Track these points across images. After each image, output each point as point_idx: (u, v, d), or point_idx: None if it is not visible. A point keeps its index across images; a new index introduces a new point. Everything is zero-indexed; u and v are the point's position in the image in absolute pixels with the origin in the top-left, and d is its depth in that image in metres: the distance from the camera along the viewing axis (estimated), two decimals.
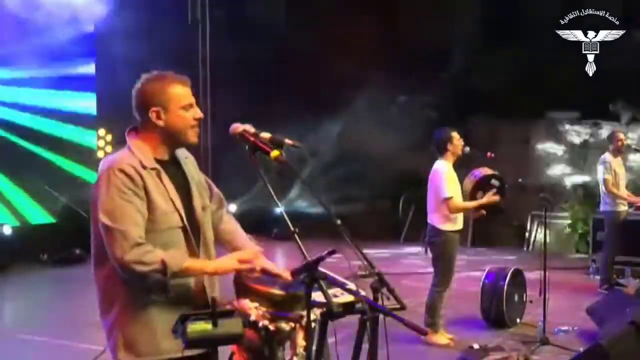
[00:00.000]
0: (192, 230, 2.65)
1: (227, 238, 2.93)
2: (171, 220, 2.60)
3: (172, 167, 2.69)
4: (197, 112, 2.68)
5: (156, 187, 2.57)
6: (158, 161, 2.63)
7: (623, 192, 8.02)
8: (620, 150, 8.05)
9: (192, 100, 2.68)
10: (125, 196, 2.49)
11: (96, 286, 2.68)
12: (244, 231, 2.99)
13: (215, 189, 2.95)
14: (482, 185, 6.00)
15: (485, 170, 6.11)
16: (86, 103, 11.26)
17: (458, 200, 5.86)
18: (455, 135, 5.99)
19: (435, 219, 5.92)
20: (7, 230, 9.91)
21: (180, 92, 2.64)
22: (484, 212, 6.06)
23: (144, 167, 2.57)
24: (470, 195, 5.99)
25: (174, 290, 2.57)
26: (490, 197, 5.91)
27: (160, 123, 2.62)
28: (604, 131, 12.52)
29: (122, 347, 2.61)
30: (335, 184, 13.36)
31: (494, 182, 6.05)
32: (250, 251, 2.77)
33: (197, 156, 2.91)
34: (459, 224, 5.94)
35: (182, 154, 2.78)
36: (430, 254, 6.07)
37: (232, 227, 2.96)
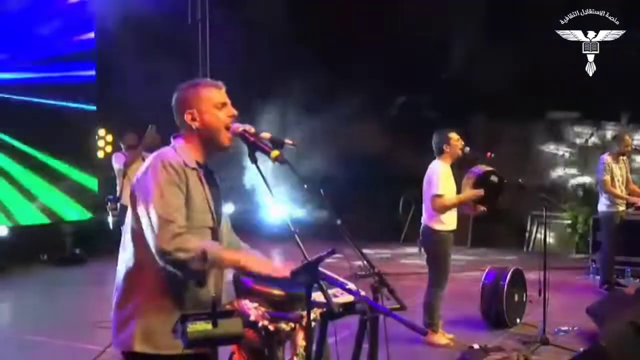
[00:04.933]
0: (219, 235, 2.77)
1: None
2: (204, 219, 2.70)
3: (209, 173, 2.82)
4: (231, 110, 2.77)
5: (196, 185, 2.69)
6: (197, 164, 2.75)
7: (621, 192, 8.02)
8: (624, 153, 8.06)
9: (226, 100, 2.78)
10: (173, 188, 2.60)
11: (119, 275, 2.75)
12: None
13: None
14: (482, 182, 5.97)
15: (483, 167, 6.09)
16: (87, 104, 11.26)
17: (446, 199, 5.83)
18: (453, 136, 5.97)
19: (428, 218, 5.93)
20: (7, 231, 9.89)
21: (212, 93, 2.76)
22: (483, 208, 6.02)
23: (187, 166, 2.68)
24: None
25: (196, 289, 2.63)
26: (471, 192, 5.86)
27: (196, 124, 2.74)
28: (604, 131, 12.54)
29: (139, 338, 2.64)
30: (334, 184, 13.36)
31: (493, 178, 6.02)
32: (286, 269, 2.72)
33: None
34: (452, 224, 5.92)
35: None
36: (425, 254, 6.05)
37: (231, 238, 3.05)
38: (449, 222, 5.89)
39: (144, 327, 2.63)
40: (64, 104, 10.88)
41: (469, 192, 5.88)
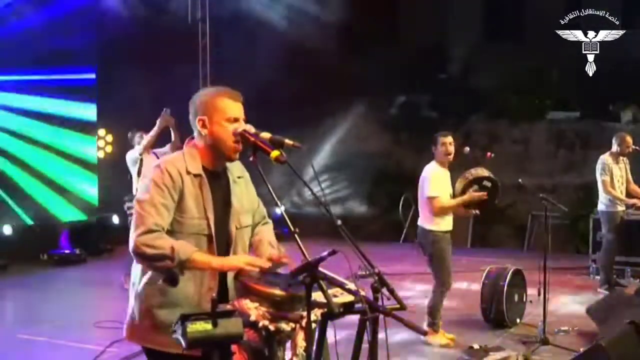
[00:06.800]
0: (219, 242, 2.76)
1: (255, 245, 3.02)
2: (198, 226, 2.74)
3: (217, 179, 2.83)
4: (242, 126, 2.75)
5: (193, 192, 2.73)
6: (205, 170, 2.78)
7: (620, 193, 8.02)
8: (624, 153, 8.06)
9: (239, 115, 2.78)
10: (159, 190, 2.67)
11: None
12: (274, 241, 3.03)
13: (261, 206, 3.09)
14: (476, 185, 5.95)
15: (477, 172, 6.06)
16: (87, 104, 11.25)
17: (443, 200, 5.83)
18: (442, 139, 5.91)
19: (423, 219, 5.94)
20: (8, 230, 9.89)
21: (226, 105, 2.77)
22: (476, 211, 6.01)
23: (188, 173, 2.73)
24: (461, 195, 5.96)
25: (180, 290, 2.69)
26: (472, 194, 5.85)
27: (205, 132, 2.77)
28: (604, 131, 12.54)
29: (129, 328, 2.80)
30: (335, 184, 13.37)
31: (486, 183, 6.00)
32: (262, 260, 2.82)
33: None
34: (447, 225, 5.91)
35: (236, 172, 2.91)
36: (423, 255, 6.06)
37: (261, 236, 3.04)
38: (443, 223, 5.88)
39: (133, 320, 2.78)
40: (64, 104, 10.86)
41: (473, 195, 5.84)
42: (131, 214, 8.31)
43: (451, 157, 5.93)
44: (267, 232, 3.07)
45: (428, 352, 5.75)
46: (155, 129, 7.75)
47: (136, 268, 2.80)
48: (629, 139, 8.04)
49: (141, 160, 7.90)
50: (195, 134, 2.83)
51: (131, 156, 8.02)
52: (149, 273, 2.72)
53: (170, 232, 2.67)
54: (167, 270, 2.61)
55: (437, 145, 5.91)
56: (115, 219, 11.08)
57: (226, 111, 2.75)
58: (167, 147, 8.17)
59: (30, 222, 10.45)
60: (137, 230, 2.62)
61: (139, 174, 7.87)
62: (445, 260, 5.89)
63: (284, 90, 12.49)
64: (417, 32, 13.04)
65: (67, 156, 10.93)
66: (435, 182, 5.83)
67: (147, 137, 7.78)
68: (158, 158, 8.01)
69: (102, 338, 5.85)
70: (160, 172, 2.70)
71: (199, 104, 2.79)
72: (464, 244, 12.07)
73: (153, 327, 2.71)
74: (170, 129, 8.02)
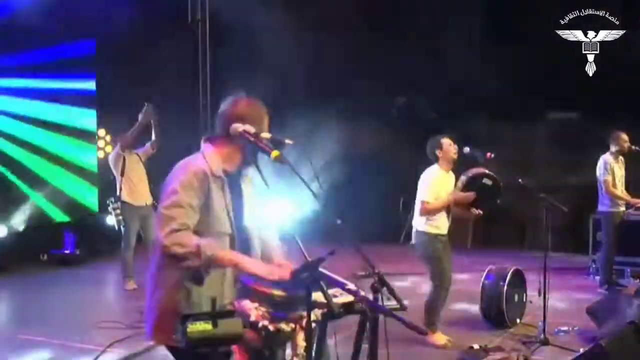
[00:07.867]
0: (239, 240, 2.86)
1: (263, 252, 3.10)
2: (222, 225, 2.83)
3: (234, 180, 2.93)
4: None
5: (217, 193, 2.81)
6: (225, 172, 2.87)
7: (622, 192, 8.03)
8: (623, 152, 8.06)
9: None
10: (187, 192, 2.74)
11: (150, 268, 2.92)
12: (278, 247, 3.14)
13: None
14: (473, 184, 5.94)
15: (477, 170, 6.06)
16: (87, 104, 11.26)
17: (431, 204, 5.79)
18: (445, 141, 5.92)
19: (416, 221, 5.95)
20: (3, 231, 9.83)
21: (264, 128, 2.89)
22: (479, 211, 6.00)
23: (212, 174, 2.81)
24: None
25: (204, 292, 2.72)
26: (457, 193, 5.83)
27: (235, 139, 2.83)
28: (604, 131, 12.53)
29: (158, 329, 2.83)
30: (335, 184, 13.36)
31: (486, 181, 5.99)
32: (285, 270, 2.84)
33: None
34: (440, 229, 5.88)
35: (244, 171, 2.99)
36: (418, 257, 6.07)
37: (267, 242, 3.14)
38: (436, 225, 5.87)
39: (163, 320, 2.80)
40: (65, 105, 10.87)
41: (459, 195, 5.84)
42: (117, 215, 8.42)
43: (456, 157, 5.94)
44: (272, 237, 3.14)
45: (428, 352, 5.75)
46: (137, 125, 7.78)
47: (159, 270, 2.82)
48: (624, 136, 8.06)
49: (124, 158, 7.89)
50: (222, 136, 2.88)
51: (112, 155, 8.04)
52: (175, 275, 2.74)
53: (196, 232, 2.74)
54: (194, 268, 2.66)
55: (443, 149, 5.88)
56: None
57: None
58: (147, 145, 8.17)
59: (30, 222, 10.44)
60: (165, 230, 2.67)
61: (122, 174, 7.87)
62: (440, 262, 5.87)
63: (284, 90, 12.49)
64: (417, 32, 13.00)
65: (67, 156, 10.94)
66: (434, 187, 5.80)
67: (128, 133, 7.80)
68: (140, 158, 8.03)
69: (102, 338, 5.85)
70: (187, 175, 2.77)
71: (243, 112, 2.87)
72: (464, 244, 12.08)
73: (165, 324, 2.73)
74: (152, 125, 8.00)
